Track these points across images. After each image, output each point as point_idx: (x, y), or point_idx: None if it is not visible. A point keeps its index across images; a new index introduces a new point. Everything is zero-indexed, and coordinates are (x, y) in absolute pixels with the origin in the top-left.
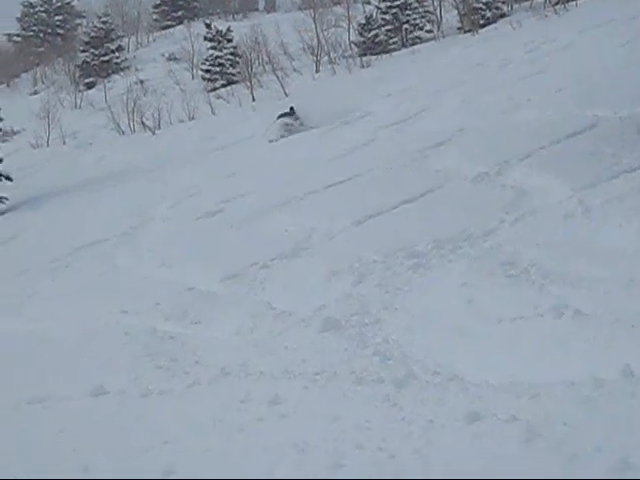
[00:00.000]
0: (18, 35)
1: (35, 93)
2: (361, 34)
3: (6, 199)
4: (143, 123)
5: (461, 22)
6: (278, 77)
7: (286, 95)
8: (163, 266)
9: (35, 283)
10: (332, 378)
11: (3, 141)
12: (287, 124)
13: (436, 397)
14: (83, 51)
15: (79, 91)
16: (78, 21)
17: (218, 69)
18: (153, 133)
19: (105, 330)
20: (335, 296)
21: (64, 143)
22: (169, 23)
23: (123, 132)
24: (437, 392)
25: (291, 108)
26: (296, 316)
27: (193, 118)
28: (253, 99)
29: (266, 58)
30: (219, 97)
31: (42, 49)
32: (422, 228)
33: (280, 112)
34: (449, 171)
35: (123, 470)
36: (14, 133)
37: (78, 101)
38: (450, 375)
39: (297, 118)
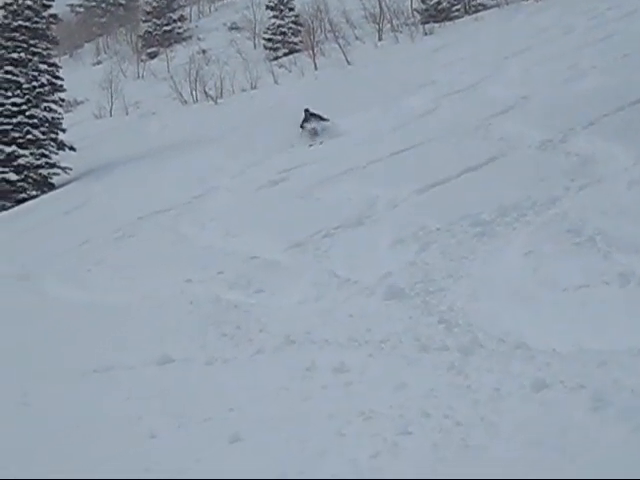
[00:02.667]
0: (80, 6)
1: (98, 63)
2: (424, 1)
3: (70, 169)
4: (205, 92)
5: None
6: (340, 45)
7: (348, 63)
8: (227, 235)
9: (100, 253)
10: (397, 346)
11: (66, 112)
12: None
13: (502, 365)
14: (145, 21)
15: (141, 61)
16: None
17: (280, 38)
18: (215, 102)
19: (170, 299)
20: (399, 264)
21: (127, 113)
22: None
23: (186, 102)
24: (503, 360)
25: (306, 111)
26: (360, 284)
27: (255, 87)
28: (315, 67)
29: (328, 26)
30: (281, 66)
31: (104, 19)
32: (486, 196)
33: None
34: (513, 139)
35: (189, 437)
36: (77, 104)
37: (140, 71)
38: (516, 343)
39: (320, 118)
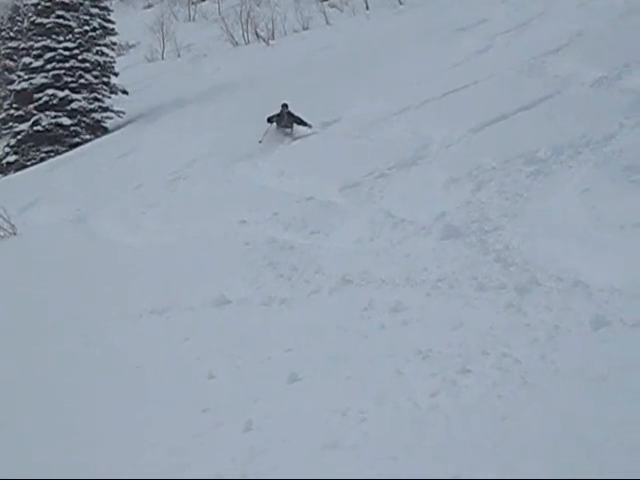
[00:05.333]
0: None
1: (149, 7)
2: None
3: (123, 113)
4: (257, 34)
5: None
6: None
7: (400, 3)
8: (281, 176)
9: (155, 195)
10: (454, 285)
11: (118, 55)
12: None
13: (560, 303)
14: None
15: (192, 3)
16: None
17: None
18: (267, 44)
19: (225, 240)
20: (454, 204)
21: (179, 56)
22: None
23: (237, 43)
24: (561, 298)
25: (284, 105)
26: (416, 224)
27: (307, 28)
28: (367, 7)
29: None
30: (333, 6)
31: None
32: (541, 134)
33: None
34: (567, 76)
35: (247, 378)
36: (129, 47)
37: (192, 13)
38: (574, 281)
39: (292, 118)
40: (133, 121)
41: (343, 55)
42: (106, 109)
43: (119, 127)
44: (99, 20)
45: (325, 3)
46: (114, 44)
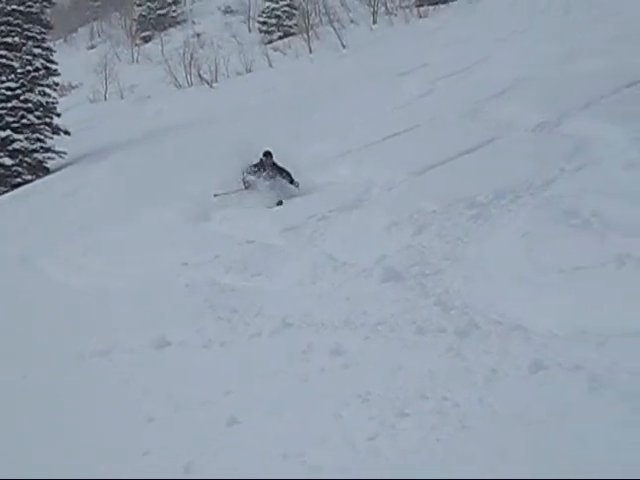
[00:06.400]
0: None
1: (92, 47)
2: None
3: (65, 153)
4: (200, 76)
5: None
6: (335, 29)
7: (343, 47)
8: (223, 220)
9: (98, 235)
10: (394, 328)
11: (61, 96)
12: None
13: (499, 346)
14: (139, 5)
15: (136, 45)
16: None
17: (274, 21)
18: (210, 86)
19: (166, 283)
20: (395, 247)
21: (122, 97)
22: None
23: (180, 85)
24: (500, 342)
25: (267, 154)
26: (357, 267)
27: (250, 70)
28: (310, 51)
29: (323, 9)
30: (276, 49)
31: (98, 3)
32: (482, 178)
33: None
34: (509, 121)
35: (186, 421)
36: (72, 88)
37: (135, 55)
38: (513, 325)
39: (277, 172)
40: (76, 162)
41: (286, 97)
42: (48, 149)
43: (61, 168)
44: (42, 60)
45: (268, 46)
46: (57, 84)
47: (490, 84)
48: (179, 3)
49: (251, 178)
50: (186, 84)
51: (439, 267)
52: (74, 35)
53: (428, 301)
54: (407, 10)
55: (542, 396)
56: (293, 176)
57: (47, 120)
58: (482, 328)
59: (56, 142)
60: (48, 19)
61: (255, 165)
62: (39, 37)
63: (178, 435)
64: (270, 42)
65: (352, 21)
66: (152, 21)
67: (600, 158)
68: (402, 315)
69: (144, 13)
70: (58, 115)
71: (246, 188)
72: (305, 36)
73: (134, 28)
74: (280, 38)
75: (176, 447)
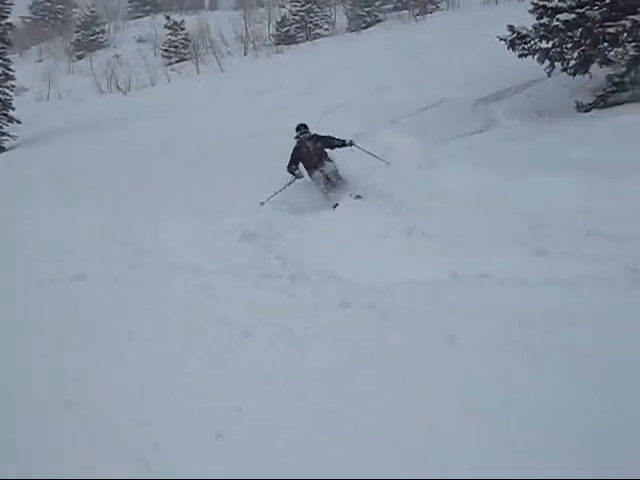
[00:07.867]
0: (29, 18)
1: (40, 61)
2: (277, 29)
3: (16, 137)
4: (118, 86)
5: (349, 24)
6: (217, 57)
7: (222, 71)
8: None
9: (37, 194)
10: (246, 272)
11: (16, 95)
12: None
13: (320, 289)
14: (76, 32)
15: (72, 61)
16: (74, 10)
17: (174, 49)
18: (125, 94)
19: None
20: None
21: (60, 98)
22: (139, 14)
23: (103, 92)
24: (320, 286)
25: (303, 126)
26: (224, 229)
27: (154, 84)
28: (198, 72)
29: (208, 43)
30: (173, 70)
31: (46, 29)
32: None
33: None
34: (337, 129)
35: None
36: (24, 90)
37: (71, 68)
38: (330, 275)
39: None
40: (24, 144)
41: (179, 103)
42: (4, 134)
43: (12, 148)
44: (2, 68)
45: (168, 67)
46: (13, 86)
47: (325, 103)
48: (105, 32)
49: (297, 169)
50: (108, 91)
51: (281, 231)
52: (27, 51)
53: (271, 255)
54: (269, 47)
55: (348, 324)
56: (340, 138)
57: (4, 112)
58: (308, 276)
59: (11, 129)
60: (9, 38)
61: (295, 149)
62: (1, 51)
63: (84, 349)
64: (170, 64)
65: (229, 52)
66: (85, 44)
67: (401, 159)
68: (252, 264)
69: (79, 38)
70: (13, 109)
71: (297, 178)
72: (195, 61)
73: (71, 48)
74: (177, 62)
75: (79, 361)
